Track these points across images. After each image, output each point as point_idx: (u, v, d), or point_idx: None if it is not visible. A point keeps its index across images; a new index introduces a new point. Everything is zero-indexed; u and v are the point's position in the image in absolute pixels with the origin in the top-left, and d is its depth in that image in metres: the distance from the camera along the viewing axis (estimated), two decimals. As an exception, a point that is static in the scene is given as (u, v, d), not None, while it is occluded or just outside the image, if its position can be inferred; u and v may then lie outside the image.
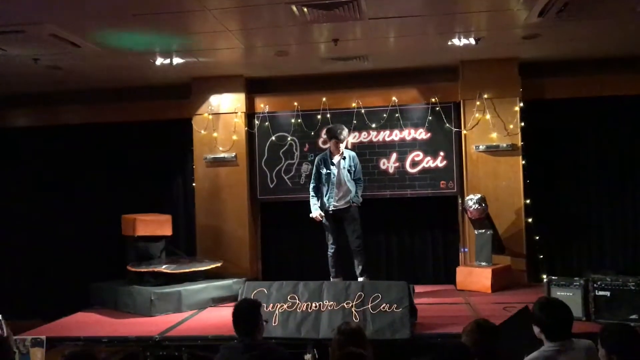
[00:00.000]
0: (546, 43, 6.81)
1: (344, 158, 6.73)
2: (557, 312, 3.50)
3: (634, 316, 5.26)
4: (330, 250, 6.83)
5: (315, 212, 6.73)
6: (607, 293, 5.42)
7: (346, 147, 6.97)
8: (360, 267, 6.74)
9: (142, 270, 6.81)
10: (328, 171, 6.69)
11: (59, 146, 8.77)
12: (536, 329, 3.51)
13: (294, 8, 5.35)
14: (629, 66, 7.58)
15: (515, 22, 6.04)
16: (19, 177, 8.83)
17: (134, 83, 8.24)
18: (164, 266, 6.78)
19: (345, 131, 6.72)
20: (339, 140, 6.61)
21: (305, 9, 5.38)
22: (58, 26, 5.65)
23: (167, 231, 7.36)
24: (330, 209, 6.71)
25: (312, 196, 6.79)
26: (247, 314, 3.83)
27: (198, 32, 6.15)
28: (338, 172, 6.70)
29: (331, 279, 6.77)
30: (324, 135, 7.82)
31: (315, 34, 6.30)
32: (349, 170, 6.73)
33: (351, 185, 6.73)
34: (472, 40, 6.52)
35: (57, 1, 5.00)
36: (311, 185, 6.86)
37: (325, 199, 6.72)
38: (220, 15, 5.55)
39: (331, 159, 6.72)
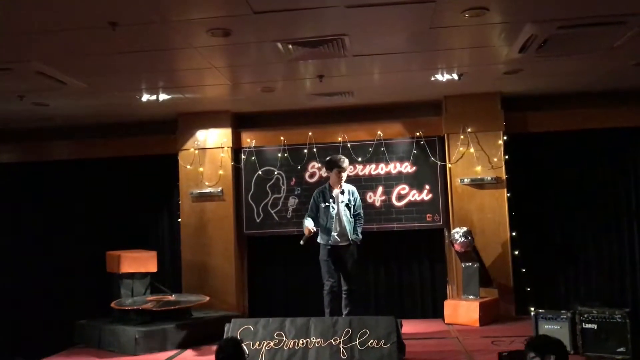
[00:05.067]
0: (528, 78, 6.94)
1: (343, 192, 6.56)
2: None
3: (621, 349, 5.26)
4: (326, 288, 6.49)
5: (307, 225, 6.36)
6: (594, 326, 5.43)
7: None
8: (347, 309, 6.54)
9: (127, 307, 6.71)
10: (327, 204, 6.51)
11: (44, 182, 8.73)
12: None
13: (280, 46, 5.42)
14: (610, 99, 7.73)
15: (497, 58, 6.16)
16: (1, 212, 8.73)
17: (120, 119, 8.28)
18: (148, 303, 6.70)
19: (347, 160, 6.60)
20: (341, 170, 6.47)
21: (290, 47, 5.46)
22: (44, 64, 5.68)
23: (152, 267, 7.29)
24: (329, 245, 6.50)
25: (306, 218, 6.52)
26: (230, 354, 3.78)
27: (185, 69, 6.20)
28: (337, 207, 6.53)
29: None
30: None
31: (301, 71, 6.37)
32: (347, 205, 6.55)
33: (348, 222, 6.51)
34: (455, 76, 6.64)
35: (43, 39, 5.02)
36: (307, 213, 6.64)
37: (323, 233, 6.51)
38: (206, 53, 5.61)
39: (330, 192, 6.57)
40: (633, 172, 7.86)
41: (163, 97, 7.03)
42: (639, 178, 7.84)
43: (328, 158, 6.70)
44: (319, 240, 6.59)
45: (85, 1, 4.29)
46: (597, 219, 7.88)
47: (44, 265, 8.51)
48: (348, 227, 6.53)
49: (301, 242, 6.43)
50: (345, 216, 6.54)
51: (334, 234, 6.48)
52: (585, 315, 5.46)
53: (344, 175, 6.57)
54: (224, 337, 5.48)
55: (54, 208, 8.67)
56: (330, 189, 6.60)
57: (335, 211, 6.51)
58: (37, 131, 8.56)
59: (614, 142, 7.87)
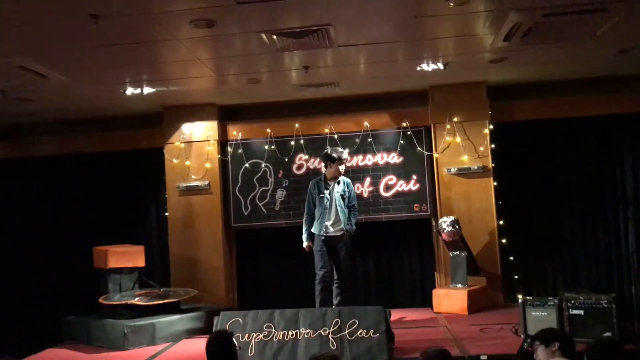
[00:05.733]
0: (513, 66, 6.96)
1: (338, 183, 6.60)
2: None
3: (607, 334, 5.31)
4: (318, 277, 6.52)
5: (305, 242, 6.61)
6: (581, 312, 5.47)
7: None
8: (338, 298, 6.58)
9: (115, 303, 6.68)
10: (322, 195, 6.55)
11: (30, 178, 8.64)
12: None
13: (264, 37, 5.39)
14: (595, 87, 7.76)
15: (482, 47, 6.16)
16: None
17: (104, 113, 8.20)
18: (137, 298, 6.67)
19: (346, 152, 6.70)
20: (342, 162, 6.53)
21: (275, 38, 5.43)
22: (28, 58, 5.60)
23: (140, 262, 7.25)
24: (322, 235, 6.52)
25: (304, 222, 6.65)
26: (221, 347, 3.77)
27: (169, 61, 6.14)
28: (331, 197, 6.56)
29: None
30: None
31: (286, 62, 6.34)
32: (342, 196, 6.59)
33: (342, 212, 6.55)
34: (440, 65, 6.63)
35: (24, 32, 4.95)
36: (304, 212, 6.69)
37: (317, 223, 6.55)
38: (190, 45, 5.57)
39: (326, 183, 6.61)
40: (618, 159, 7.92)
41: (147, 90, 6.97)
42: (625, 165, 7.90)
43: (328, 151, 6.66)
44: (313, 230, 6.61)
45: (65, -7, 4.25)
46: (583, 205, 7.94)
47: (30, 261, 8.43)
48: (342, 218, 6.56)
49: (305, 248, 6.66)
50: (340, 206, 6.57)
51: (328, 223, 6.52)
52: (572, 302, 5.51)
53: (343, 167, 6.61)
54: (213, 330, 5.47)
55: (40, 204, 8.58)
56: (326, 179, 6.63)
57: (329, 202, 6.54)
58: (20, 127, 8.45)
59: (600, 130, 7.92)
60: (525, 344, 4.81)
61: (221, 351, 3.79)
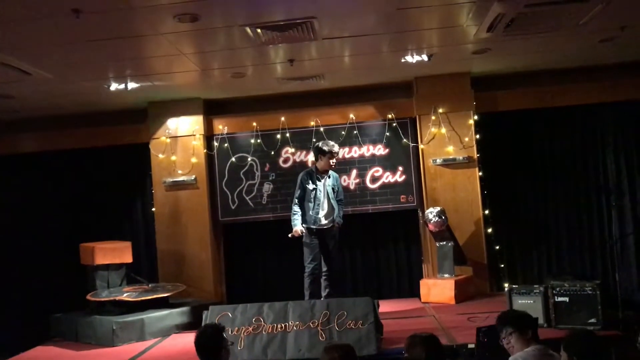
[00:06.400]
0: (497, 57, 7.00)
1: (329, 177, 6.67)
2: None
3: (592, 320, 5.39)
4: (308, 270, 6.55)
5: (296, 227, 6.53)
6: (566, 299, 5.55)
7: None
8: (327, 290, 6.64)
9: (103, 299, 6.66)
10: (314, 187, 6.58)
11: (15, 175, 8.54)
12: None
13: (248, 30, 5.38)
14: (578, 76, 7.84)
15: (466, 38, 6.19)
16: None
17: (89, 109, 8.13)
18: (125, 294, 6.65)
19: (337, 145, 6.72)
20: (333, 155, 6.55)
21: (259, 31, 5.42)
22: (10, 54, 5.55)
23: (127, 258, 7.23)
24: (314, 227, 6.55)
25: (294, 212, 6.61)
26: (210, 340, 3.78)
27: (153, 56, 6.11)
28: (323, 189, 6.62)
29: None
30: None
31: (271, 55, 6.34)
32: (332, 189, 6.67)
33: (335, 204, 6.64)
34: (424, 57, 6.66)
35: (5, 28, 4.90)
36: (294, 201, 6.66)
37: (310, 214, 6.55)
38: (174, 39, 5.54)
39: (318, 175, 6.64)
40: (601, 147, 7.99)
41: (132, 85, 6.93)
42: (607, 153, 7.97)
43: (319, 144, 6.65)
44: (303, 223, 6.60)
45: (46, -12, 4.21)
46: (567, 194, 8.01)
47: (16, 259, 8.36)
48: (336, 209, 6.62)
49: (289, 235, 6.59)
50: (332, 199, 6.63)
51: (320, 215, 6.56)
52: (557, 289, 5.58)
53: (334, 161, 6.64)
54: (203, 323, 5.48)
55: (25, 202, 8.50)
56: (318, 172, 6.65)
57: (322, 193, 6.59)
58: (4, 124, 8.35)
59: (583, 119, 7.99)
60: (480, 336, 4.79)
61: (210, 345, 3.80)
